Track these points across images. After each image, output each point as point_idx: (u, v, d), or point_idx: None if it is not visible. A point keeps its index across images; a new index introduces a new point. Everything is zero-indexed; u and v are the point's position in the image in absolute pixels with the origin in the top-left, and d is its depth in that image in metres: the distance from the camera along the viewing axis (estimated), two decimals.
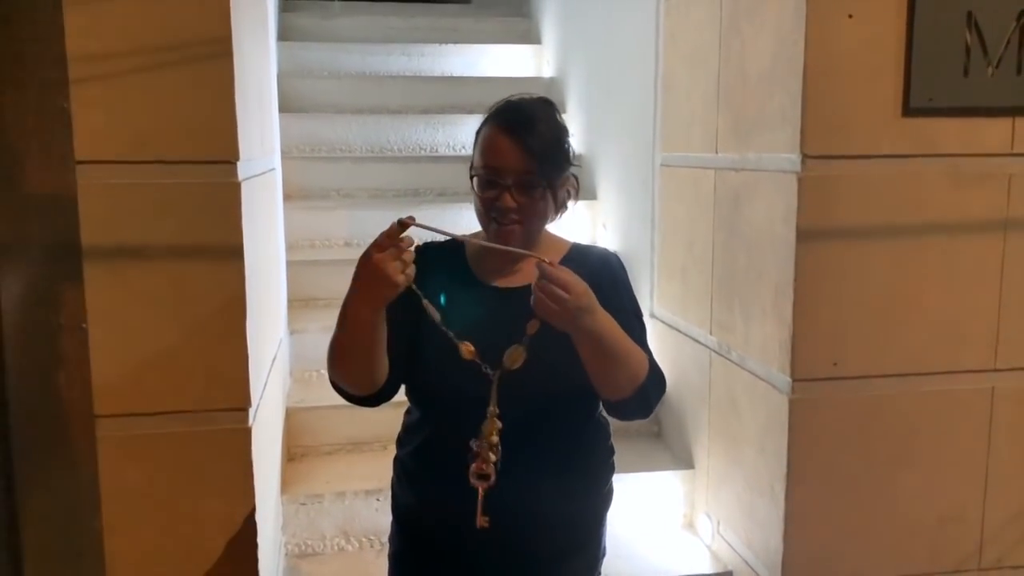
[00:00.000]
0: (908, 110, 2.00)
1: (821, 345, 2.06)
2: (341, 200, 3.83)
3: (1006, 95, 2.03)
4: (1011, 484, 2.18)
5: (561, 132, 1.48)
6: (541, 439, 1.48)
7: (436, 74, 4.61)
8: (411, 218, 1.28)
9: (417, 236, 1.32)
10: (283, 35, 4.52)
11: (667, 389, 1.54)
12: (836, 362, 2.07)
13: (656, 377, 1.48)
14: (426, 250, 1.48)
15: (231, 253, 1.71)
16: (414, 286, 1.33)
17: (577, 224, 3.60)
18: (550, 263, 1.32)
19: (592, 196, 3.76)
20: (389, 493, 1.64)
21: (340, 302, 1.37)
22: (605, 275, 1.53)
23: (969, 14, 1.98)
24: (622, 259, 1.62)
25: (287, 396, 2.89)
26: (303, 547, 2.56)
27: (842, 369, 2.07)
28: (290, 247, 3.43)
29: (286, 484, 2.62)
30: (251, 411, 1.78)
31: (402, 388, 1.55)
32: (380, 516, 2.51)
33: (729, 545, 2.47)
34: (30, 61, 1.55)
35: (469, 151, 1.50)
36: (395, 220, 1.28)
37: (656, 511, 2.74)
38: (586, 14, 3.98)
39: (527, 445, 1.44)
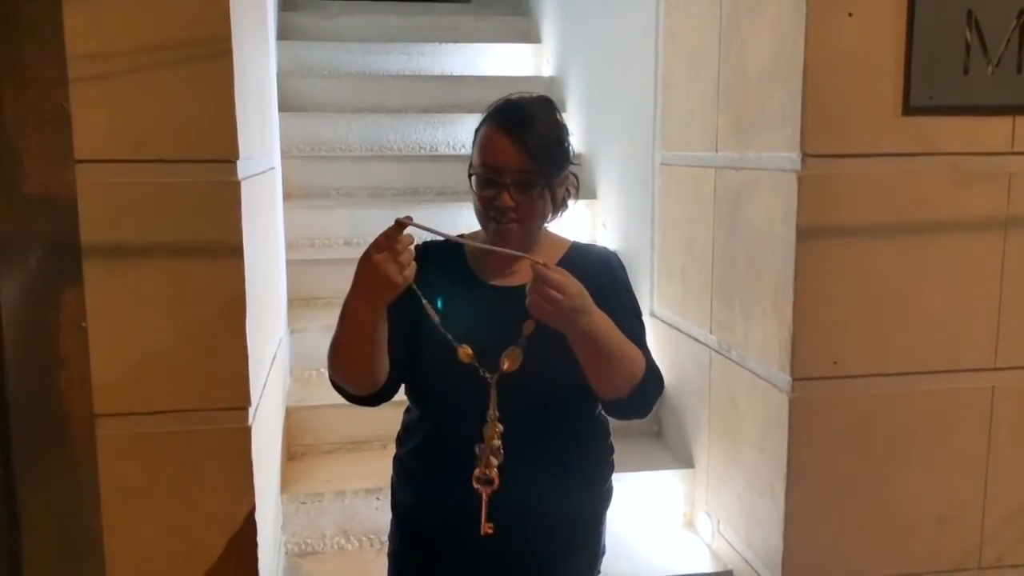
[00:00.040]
0: (908, 109, 2.00)
1: (821, 344, 2.06)
2: (341, 199, 3.84)
3: (1006, 94, 2.03)
4: (1011, 483, 2.18)
5: (560, 131, 1.48)
6: (540, 439, 1.48)
7: (436, 73, 4.61)
8: (408, 218, 1.28)
9: (417, 236, 1.32)
10: (283, 34, 4.52)
11: (667, 388, 1.54)
12: (836, 361, 2.07)
13: (654, 376, 1.48)
14: (426, 249, 1.48)
15: (231, 252, 1.71)
16: (414, 286, 1.33)
17: (577, 223, 3.60)
18: (544, 265, 1.32)
19: (592, 195, 3.76)
20: (389, 492, 1.64)
21: (340, 301, 1.37)
22: (605, 274, 1.53)
23: (969, 12, 1.98)
24: (622, 258, 1.62)
25: (287, 395, 2.89)
26: (303, 546, 2.56)
27: (842, 368, 2.07)
28: (290, 246, 3.43)
29: (286, 483, 2.62)
30: (251, 410, 1.78)
31: (402, 387, 1.55)
32: (380, 515, 2.51)
33: (729, 544, 2.47)
34: (30, 60, 1.55)
35: (469, 150, 1.49)
36: (394, 220, 1.28)
37: (656, 510, 2.74)
38: (586, 13, 3.97)
39: (526, 445, 1.44)
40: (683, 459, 2.80)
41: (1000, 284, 2.11)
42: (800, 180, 2.00)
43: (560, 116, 1.50)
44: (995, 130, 2.05)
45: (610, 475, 1.62)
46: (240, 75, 1.74)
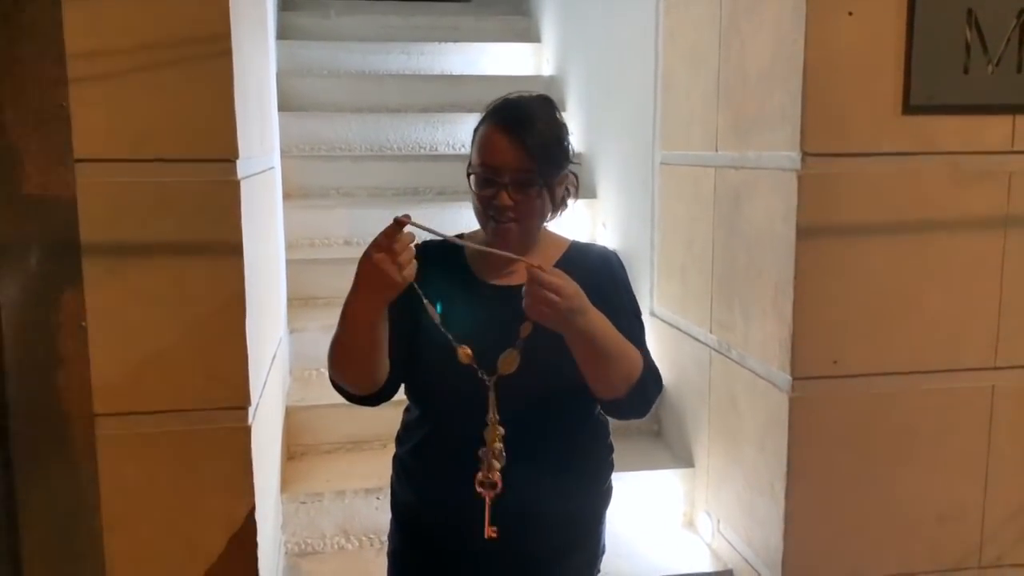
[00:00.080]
0: (908, 108, 2.00)
1: (821, 343, 2.06)
2: (341, 199, 3.84)
3: (1006, 93, 2.03)
4: (1011, 482, 2.18)
5: (560, 130, 1.47)
6: (540, 439, 1.48)
7: (436, 73, 4.61)
8: (407, 216, 1.28)
9: (417, 235, 1.32)
10: (282, 34, 4.52)
11: (667, 388, 1.54)
12: (836, 360, 2.07)
13: (652, 376, 1.48)
14: (425, 248, 1.48)
15: (231, 251, 1.71)
16: (415, 285, 1.33)
17: (577, 222, 3.60)
18: (539, 267, 1.32)
19: (592, 194, 3.76)
20: (389, 492, 1.64)
21: (340, 301, 1.37)
22: (604, 274, 1.53)
23: (969, 11, 1.98)
24: (622, 258, 1.62)
25: (287, 395, 2.89)
26: (303, 546, 2.56)
27: (842, 367, 2.07)
28: (290, 246, 3.43)
29: (286, 483, 2.62)
30: (251, 410, 1.78)
31: (402, 387, 1.55)
32: (380, 515, 2.51)
33: (729, 543, 2.47)
34: (30, 60, 1.55)
35: (469, 150, 1.49)
36: (392, 219, 1.28)
37: (656, 509, 2.74)
38: (586, 12, 3.97)
39: (526, 446, 1.44)
40: (683, 458, 2.80)
41: (1000, 283, 2.11)
42: (800, 179, 2.00)
43: (560, 115, 1.50)
44: (995, 129, 2.05)
45: (610, 475, 1.62)
46: (240, 74, 1.74)
